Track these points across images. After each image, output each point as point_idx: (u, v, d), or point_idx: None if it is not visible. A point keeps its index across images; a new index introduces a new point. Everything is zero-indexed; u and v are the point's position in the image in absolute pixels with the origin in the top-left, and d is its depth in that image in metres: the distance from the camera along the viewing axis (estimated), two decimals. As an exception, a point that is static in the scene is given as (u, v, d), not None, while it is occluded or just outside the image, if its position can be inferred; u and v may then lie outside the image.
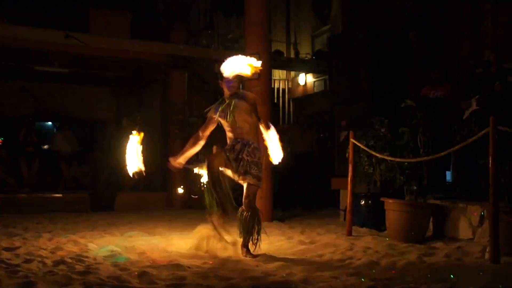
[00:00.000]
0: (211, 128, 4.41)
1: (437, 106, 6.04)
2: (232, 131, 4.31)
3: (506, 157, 4.20)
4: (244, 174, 4.19)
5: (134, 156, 4.41)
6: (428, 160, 4.79)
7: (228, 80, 4.32)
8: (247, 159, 4.20)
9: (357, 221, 5.71)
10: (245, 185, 4.28)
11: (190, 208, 8.25)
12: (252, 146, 4.25)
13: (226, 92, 4.35)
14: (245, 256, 4.15)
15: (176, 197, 8.92)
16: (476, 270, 3.56)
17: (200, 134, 4.40)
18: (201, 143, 4.41)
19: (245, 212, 4.22)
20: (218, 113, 4.31)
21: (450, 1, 7.79)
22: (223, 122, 4.34)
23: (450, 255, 4.18)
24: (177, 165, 4.39)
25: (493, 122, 3.84)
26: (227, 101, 4.32)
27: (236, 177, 4.27)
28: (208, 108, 4.44)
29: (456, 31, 7.63)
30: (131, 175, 4.47)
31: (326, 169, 8.85)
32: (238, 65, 4.28)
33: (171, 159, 4.41)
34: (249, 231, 4.19)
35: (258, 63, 4.33)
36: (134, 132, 4.52)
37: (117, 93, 11.58)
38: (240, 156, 4.19)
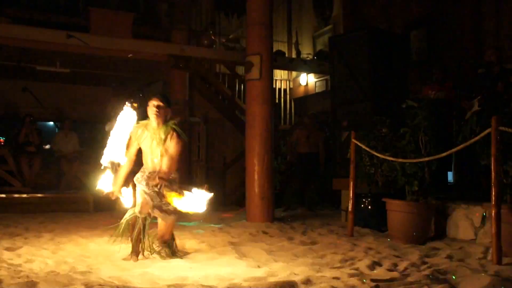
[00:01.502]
0: (133, 153, 4.18)
1: (438, 107, 6.03)
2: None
3: (508, 157, 4.19)
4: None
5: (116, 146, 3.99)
6: (430, 160, 4.78)
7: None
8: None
9: (358, 221, 5.70)
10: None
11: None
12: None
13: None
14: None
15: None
16: (478, 271, 3.56)
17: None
18: (130, 167, 4.18)
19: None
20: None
21: (452, 1, 7.78)
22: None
23: (452, 256, 4.17)
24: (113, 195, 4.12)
25: (495, 122, 3.84)
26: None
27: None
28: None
29: (457, 31, 7.62)
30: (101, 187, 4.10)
31: (328, 169, 8.85)
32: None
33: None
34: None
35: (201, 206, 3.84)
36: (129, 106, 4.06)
37: (119, 93, 11.58)
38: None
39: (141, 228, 4.08)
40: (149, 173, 4.10)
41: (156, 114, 4.05)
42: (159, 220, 4.16)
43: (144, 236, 4.12)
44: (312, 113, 9.57)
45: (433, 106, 5.73)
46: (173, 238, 4.28)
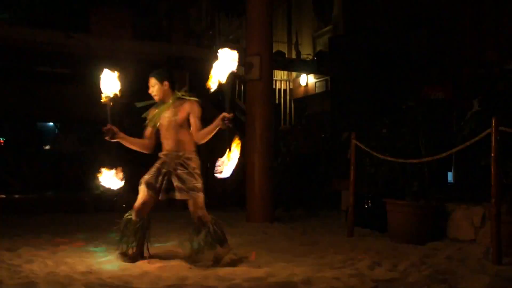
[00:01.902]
0: (149, 131, 4.09)
1: (437, 107, 6.03)
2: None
3: (508, 157, 4.18)
4: (180, 191, 3.88)
5: None
6: (430, 160, 4.78)
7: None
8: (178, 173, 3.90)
9: (358, 222, 5.70)
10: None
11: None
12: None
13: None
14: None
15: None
16: (478, 271, 3.55)
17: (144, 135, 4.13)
18: (145, 143, 4.10)
19: (207, 228, 3.91)
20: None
21: (452, 1, 7.78)
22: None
23: (452, 256, 4.17)
24: (114, 133, 3.92)
25: (495, 122, 3.84)
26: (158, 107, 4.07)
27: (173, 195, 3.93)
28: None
29: (458, 31, 7.62)
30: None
31: (328, 169, 8.84)
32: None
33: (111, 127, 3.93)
34: (220, 240, 3.93)
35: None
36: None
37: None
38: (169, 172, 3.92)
39: (139, 229, 3.98)
40: (166, 154, 4.00)
41: (152, 93, 4.03)
42: (188, 201, 3.96)
43: (143, 237, 4.04)
44: (308, 114, 9.57)
45: (432, 107, 5.72)
46: (214, 223, 3.95)
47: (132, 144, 4.07)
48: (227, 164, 3.71)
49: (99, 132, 4.06)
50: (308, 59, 10.79)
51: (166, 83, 4.03)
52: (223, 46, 3.79)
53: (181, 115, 3.97)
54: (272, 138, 6.92)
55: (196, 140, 3.98)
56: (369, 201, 5.87)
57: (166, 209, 8.95)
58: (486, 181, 3.94)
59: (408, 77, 7.24)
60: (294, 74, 11.80)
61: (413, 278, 3.39)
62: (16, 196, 8.00)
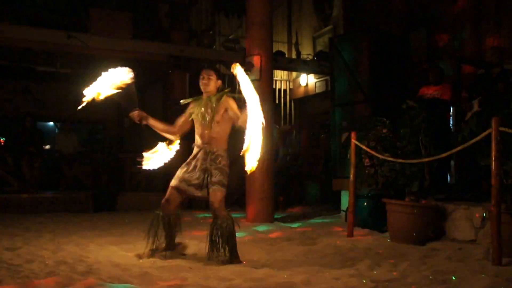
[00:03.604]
0: (182, 120, 4.24)
1: (433, 106, 6.02)
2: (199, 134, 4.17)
3: (508, 158, 4.18)
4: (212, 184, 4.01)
5: None
6: (430, 161, 4.78)
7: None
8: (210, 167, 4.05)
9: (358, 222, 5.71)
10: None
11: (190, 209, 8.25)
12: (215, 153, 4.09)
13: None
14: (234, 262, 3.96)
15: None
16: (478, 271, 3.55)
17: (175, 123, 4.27)
18: (173, 130, 4.22)
19: (218, 220, 3.98)
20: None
21: (452, 1, 7.78)
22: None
23: (452, 256, 4.17)
24: (142, 116, 4.10)
25: (496, 123, 3.84)
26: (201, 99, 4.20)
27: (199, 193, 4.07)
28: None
29: (457, 32, 7.62)
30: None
31: (327, 169, 8.85)
32: None
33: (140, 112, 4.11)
34: (230, 239, 3.99)
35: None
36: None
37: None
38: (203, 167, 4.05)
39: (165, 225, 4.12)
40: (201, 150, 4.10)
41: (205, 84, 4.14)
42: (211, 193, 4.06)
43: (171, 233, 4.17)
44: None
45: (428, 106, 5.72)
46: (227, 219, 4.00)
47: (160, 127, 4.21)
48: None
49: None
50: (308, 59, 10.79)
51: (219, 82, 4.22)
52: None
53: (219, 112, 4.10)
54: (272, 138, 6.92)
55: (241, 125, 3.99)
56: (369, 201, 5.88)
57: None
58: (486, 181, 3.94)
59: (408, 78, 7.24)
60: (294, 74, 11.80)
61: (413, 279, 3.39)
62: (16, 195, 8.00)
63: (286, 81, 11.95)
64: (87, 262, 3.92)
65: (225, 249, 3.98)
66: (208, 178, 4.04)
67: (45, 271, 3.54)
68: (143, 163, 4.11)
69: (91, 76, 4.05)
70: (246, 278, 3.40)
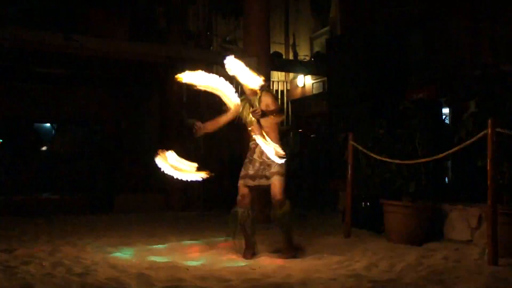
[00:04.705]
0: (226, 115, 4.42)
1: (423, 108, 6.01)
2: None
3: (504, 158, 4.20)
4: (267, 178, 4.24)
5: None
6: (426, 161, 4.79)
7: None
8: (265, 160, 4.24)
9: (355, 222, 5.71)
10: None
11: (187, 210, 8.24)
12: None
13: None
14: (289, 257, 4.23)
15: (175, 199, 8.90)
16: (475, 272, 3.57)
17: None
18: (228, 117, 4.43)
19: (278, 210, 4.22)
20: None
21: (449, 2, 7.80)
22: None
23: (449, 257, 4.18)
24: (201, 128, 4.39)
25: (492, 124, 3.85)
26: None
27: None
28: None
29: (454, 33, 7.64)
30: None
31: (324, 170, 8.86)
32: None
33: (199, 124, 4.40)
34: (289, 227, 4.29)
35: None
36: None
37: (116, 94, 11.57)
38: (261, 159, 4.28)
39: (245, 222, 4.26)
40: (256, 144, 4.26)
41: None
42: (271, 184, 4.24)
43: (250, 230, 4.30)
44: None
45: (424, 107, 5.71)
46: (290, 206, 4.28)
47: (213, 127, 4.52)
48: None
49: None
50: (306, 60, 10.80)
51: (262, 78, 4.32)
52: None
53: (262, 107, 4.21)
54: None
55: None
56: (366, 202, 5.88)
57: (164, 209, 8.97)
58: (483, 182, 3.96)
59: (406, 79, 7.25)
60: (291, 75, 11.80)
61: (409, 279, 3.40)
62: (13, 197, 7.98)
63: (283, 82, 11.95)
64: (84, 264, 3.91)
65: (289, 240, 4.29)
66: (267, 171, 4.21)
67: (41, 273, 3.54)
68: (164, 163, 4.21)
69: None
70: (243, 279, 3.40)
